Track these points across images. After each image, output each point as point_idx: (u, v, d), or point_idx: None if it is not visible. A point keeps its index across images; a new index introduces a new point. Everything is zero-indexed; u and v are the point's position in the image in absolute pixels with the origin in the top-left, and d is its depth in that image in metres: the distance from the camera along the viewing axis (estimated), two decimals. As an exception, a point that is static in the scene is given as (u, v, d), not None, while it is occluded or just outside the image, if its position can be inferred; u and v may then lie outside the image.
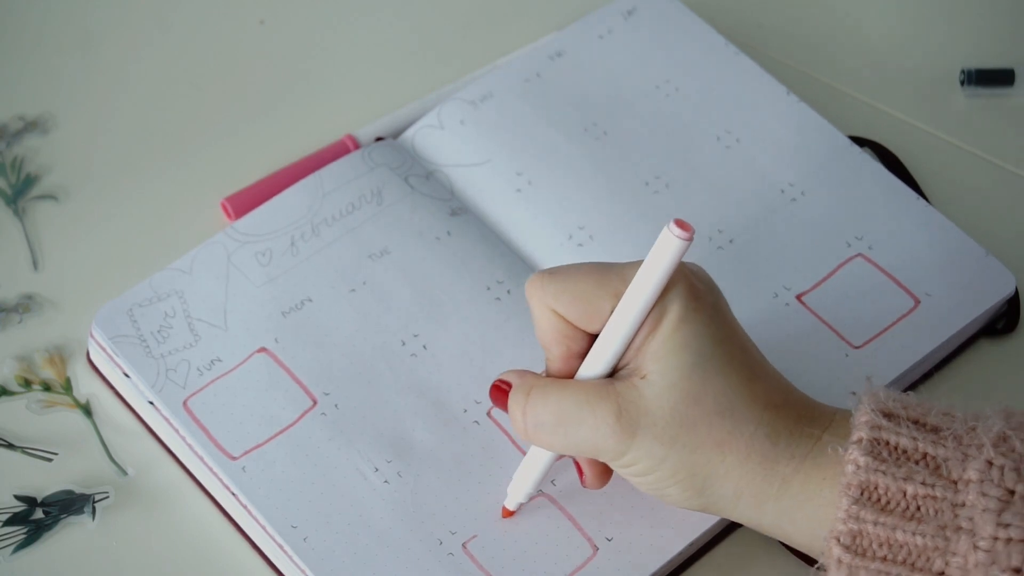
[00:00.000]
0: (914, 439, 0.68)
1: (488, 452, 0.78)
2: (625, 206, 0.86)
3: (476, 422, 0.79)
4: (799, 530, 0.71)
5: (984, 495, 0.66)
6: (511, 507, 0.76)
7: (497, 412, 0.79)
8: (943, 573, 0.67)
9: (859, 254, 0.85)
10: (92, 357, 0.82)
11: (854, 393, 0.72)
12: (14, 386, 0.82)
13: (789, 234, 0.85)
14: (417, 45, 0.95)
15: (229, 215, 0.87)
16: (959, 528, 0.67)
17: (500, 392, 0.73)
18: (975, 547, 0.66)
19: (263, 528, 0.76)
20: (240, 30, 0.95)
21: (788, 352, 0.81)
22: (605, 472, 0.74)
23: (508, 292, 0.83)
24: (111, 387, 0.82)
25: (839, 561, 0.68)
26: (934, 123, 0.92)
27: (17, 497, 0.78)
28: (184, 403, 0.78)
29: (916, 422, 0.69)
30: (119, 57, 0.94)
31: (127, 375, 0.80)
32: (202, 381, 0.79)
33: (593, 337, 0.72)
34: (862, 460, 0.68)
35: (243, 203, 0.87)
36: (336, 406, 0.79)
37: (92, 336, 0.81)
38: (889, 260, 0.84)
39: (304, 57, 0.94)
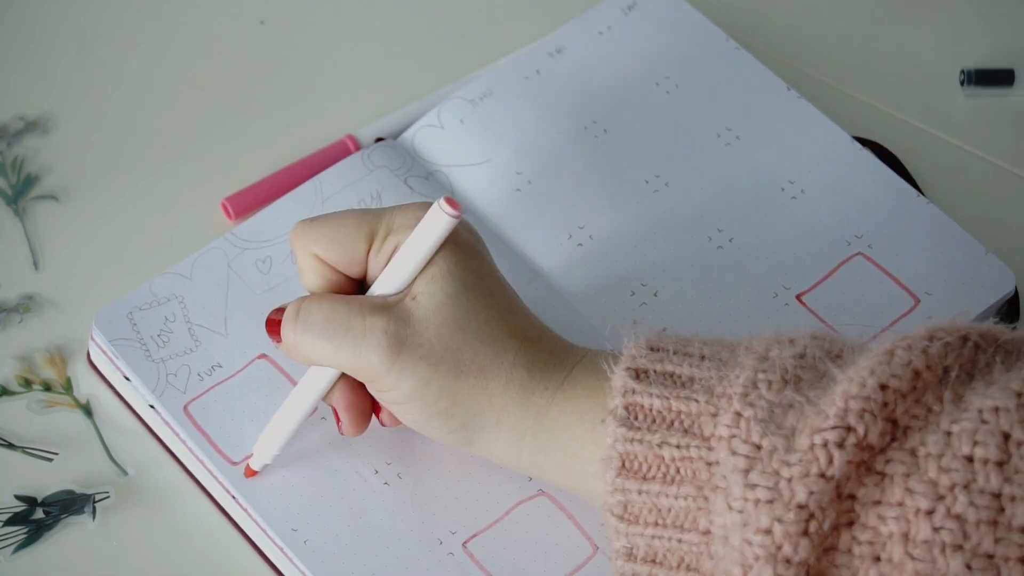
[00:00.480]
0: (666, 399, 0.69)
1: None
2: (625, 205, 0.86)
3: (476, 423, 0.79)
4: (554, 464, 0.72)
5: (733, 453, 0.66)
6: (256, 467, 0.76)
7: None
8: (709, 532, 0.68)
9: (859, 253, 0.85)
10: (92, 358, 0.82)
11: (612, 349, 0.73)
12: (14, 386, 0.82)
13: (789, 233, 0.85)
14: (417, 45, 0.95)
15: (229, 215, 0.87)
16: (716, 487, 0.67)
17: (275, 324, 0.74)
18: (729, 507, 0.66)
19: (264, 531, 0.76)
20: (240, 30, 0.95)
21: (788, 353, 0.81)
22: (362, 416, 0.75)
23: (508, 293, 0.83)
24: (111, 387, 0.82)
25: (616, 531, 0.70)
26: (934, 123, 0.92)
27: (17, 497, 0.78)
28: (185, 408, 0.78)
29: (671, 375, 0.70)
30: (119, 57, 0.94)
31: (127, 378, 0.80)
32: (203, 386, 0.79)
33: (354, 282, 0.74)
34: (618, 432, 0.69)
35: (243, 203, 0.87)
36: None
37: (92, 339, 0.81)
38: (889, 259, 0.84)
39: (304, 57, 0.94)
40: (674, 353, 0.70)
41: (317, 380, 0.75)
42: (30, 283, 0.85)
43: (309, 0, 0.96)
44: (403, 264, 0.72)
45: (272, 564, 0.77)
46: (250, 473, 0.77)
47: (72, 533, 0.78)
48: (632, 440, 0.69)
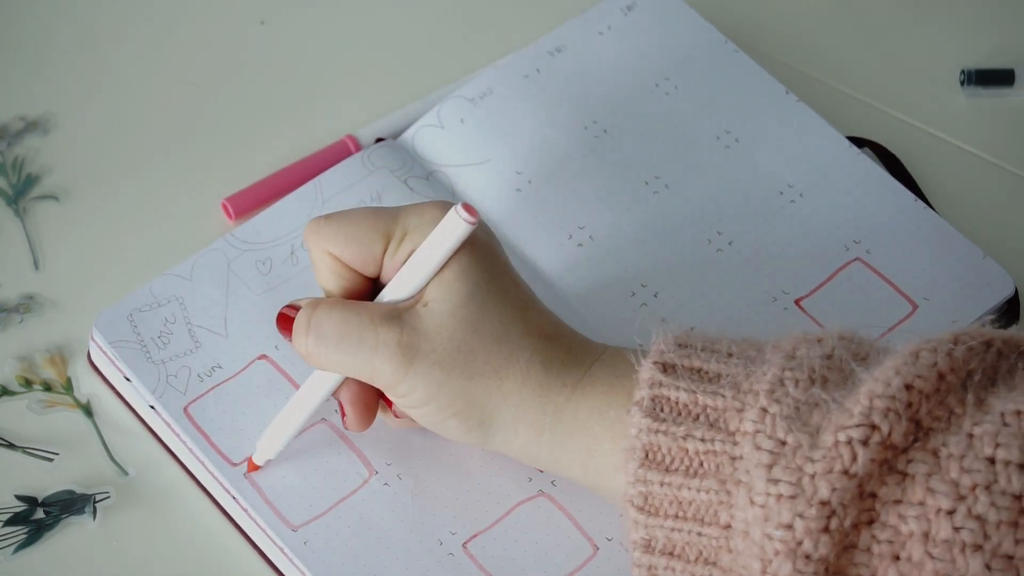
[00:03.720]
0: (692, 392, 0.69)
1: (488, 452, 0.78)
2: (625, 206, 0.86)
3: (476, 424, 0.79)
4: (571, 460, 0.72)
5: (758, 448, 0.67)
6: (259, 462, 0.77)
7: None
8: (730, 526, 0.68)
9: (857, 258, 0.85)
10: (93, 358, 0.82)
11: (640, 344, 0.73)
12: (15, 386, 0.82)
13: (788, 237, 0.85)
14: (417, 45, 0.95)
15: (229, 215, 0.87)
16: (739, 482, 0.67)
17: (286, 320, 0.74)
18: (751, 502, 0.66)
19: (264, 531, 0.76)
20: (240, 30, 0.95)
21: (787, 355, 0.81)
22: (367, 412, 0.75)
23: (508, 293, 0.83)
24: (112, 387, 0.82)
25: (635, 523, 0.70)
26: (934, 123, 0.92)
27: (18, 497, 0.78)
28: (185, 409, 0.79)
29: (698, 371, 0.70)
30: (119, 57, 0.94)
31: (128, 379, 0.80)
32: (203, 387, 0.79)
33: (369, 280, 0.74)
34: (643, 423, 0.69)
35: (243, 203, 0.87)
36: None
37: (93, 340, 0.81)
38: (886, 264, 0.84)
39: (304, 57, 0.94)
40: (702, 350, 0.71)
41: (323, 381, 0.75)
42: (30, 283, 0.85)
43: (309, 0, 0.96)
44: (416, 270, 0.72)
45: (272, 564, 0.77)
46: (252, 467, 0.77)
47: (72, 533, 0.78)
48: (657, 431, 0.69)
